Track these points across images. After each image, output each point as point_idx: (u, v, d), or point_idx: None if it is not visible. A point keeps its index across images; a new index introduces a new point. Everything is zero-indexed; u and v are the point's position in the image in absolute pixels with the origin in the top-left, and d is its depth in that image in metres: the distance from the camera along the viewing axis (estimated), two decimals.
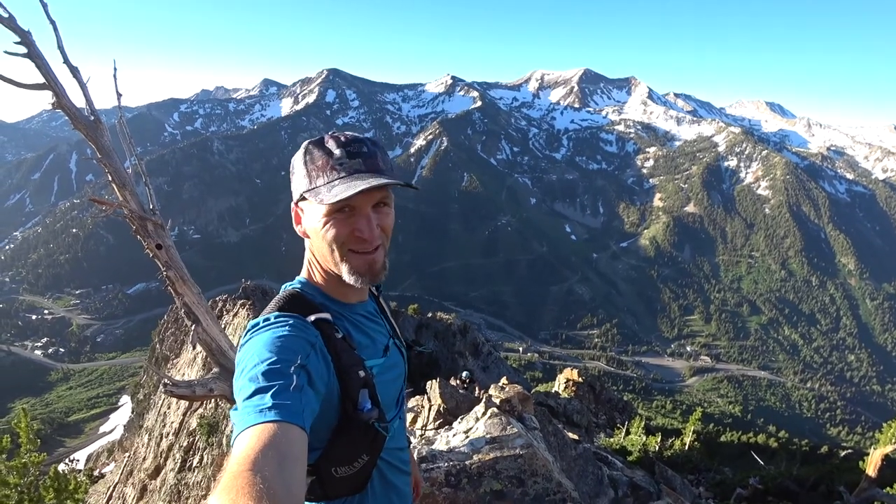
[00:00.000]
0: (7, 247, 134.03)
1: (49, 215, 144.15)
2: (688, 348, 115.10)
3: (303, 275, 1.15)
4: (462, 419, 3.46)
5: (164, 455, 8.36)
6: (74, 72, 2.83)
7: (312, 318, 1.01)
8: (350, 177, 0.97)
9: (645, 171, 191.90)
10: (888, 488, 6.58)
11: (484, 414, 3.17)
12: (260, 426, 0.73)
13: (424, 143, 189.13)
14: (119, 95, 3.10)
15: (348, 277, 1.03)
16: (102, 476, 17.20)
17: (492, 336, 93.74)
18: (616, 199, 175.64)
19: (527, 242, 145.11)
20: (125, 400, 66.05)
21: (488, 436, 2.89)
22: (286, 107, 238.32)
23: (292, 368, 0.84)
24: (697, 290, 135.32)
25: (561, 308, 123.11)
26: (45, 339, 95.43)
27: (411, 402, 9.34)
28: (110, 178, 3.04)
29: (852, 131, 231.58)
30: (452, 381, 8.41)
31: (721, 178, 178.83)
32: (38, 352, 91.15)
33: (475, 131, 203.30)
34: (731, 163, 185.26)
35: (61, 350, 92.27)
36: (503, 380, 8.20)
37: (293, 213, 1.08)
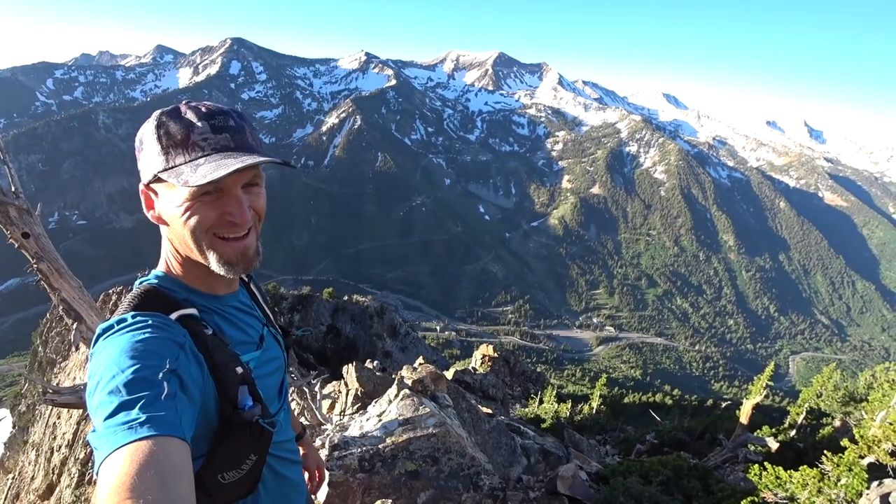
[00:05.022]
0: None
1: None
2: (594, 320, 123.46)
3: (160, 267, 1.02)
4: (375, 402, 3.45)
5: (56, 471, 7.57)
6: None
7: (175, 315, 0.90)
8: (217, 154, 0.85)
9: (554, 153, 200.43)
10: (757, 431, 7.59)
11: (396, 396, 3.18)
12: (132, 445, 0.62)
13: (337, 121, 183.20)
14: None
15: (218, 268, 0.93)
16: None
17: (409, 316, 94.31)
18: (527, 181, 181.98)
19: (442, 223, 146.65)
20: (3, 413, 58.73)
21: (401, 417, 2.90)
22: (184, 77, 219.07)
23: (160, 374, 0.73)
24: (602, 266, 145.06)
25: (476, 286, 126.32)
26: None
27: (328, 388, 9.17)
28: None
29: (734, 123, 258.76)
30: (369, 364, 8.37)
31: (623, 162, 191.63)
32: None
33: (389, 110, 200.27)
34: (632, 148, 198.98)
35: None
36: (419, 360, 8.28)
37: (143, 197, 0.94)
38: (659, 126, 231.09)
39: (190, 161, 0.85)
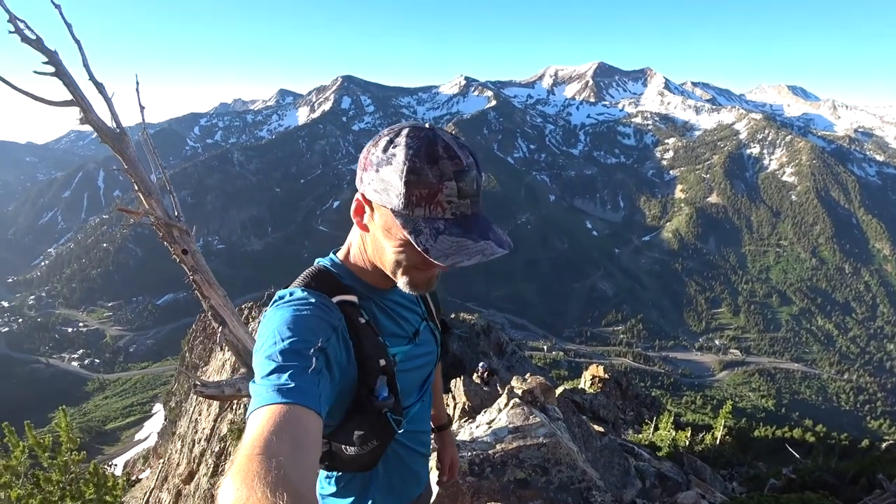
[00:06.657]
0: (42, 263, 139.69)
1: (80, 231, 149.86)
2: (716, 342, 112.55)
3: (340, 253, 1.09)
4: (485, 412, 3.49)
5: (196, 461, 8.55)
6: (100, 88, 2.97)
7: (337, 299, 0.97)
8: (457, 227, 0.88)
9: (665, 162, 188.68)
10: None
11: (506, 405, 3.20)
12: (276, 406, 0.71)
13: None
14: (142, 108, 3.23)
15: (404, 287, 0.98)
16: (139, 481, 17.70)
17: (515, 335, 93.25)
18: (636, 193, 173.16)
19: (548, 240, 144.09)
20: (158, 408, 67.94)
21: (511, 426, 2.92)
22: (303, 115, 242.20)
23: (312, 350, 0.81)
24: (724, 282, 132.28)
25: (585, 305, 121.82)
26: (81, 350, 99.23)
27: None
28: (136, 188, 3.17)
29: (881, 111, 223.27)
30: (475, 379, 8.45)
31: (744, 166, 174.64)
32: (74, 363, 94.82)
33: (491, 131, 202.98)
34: (754, 150, 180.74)
35: (97, 361, 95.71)
36: (527, 375, 8.19)
37: (355, 203, 0.96)
38: (785, 123, 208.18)
39: (429, 219, 0.87)
